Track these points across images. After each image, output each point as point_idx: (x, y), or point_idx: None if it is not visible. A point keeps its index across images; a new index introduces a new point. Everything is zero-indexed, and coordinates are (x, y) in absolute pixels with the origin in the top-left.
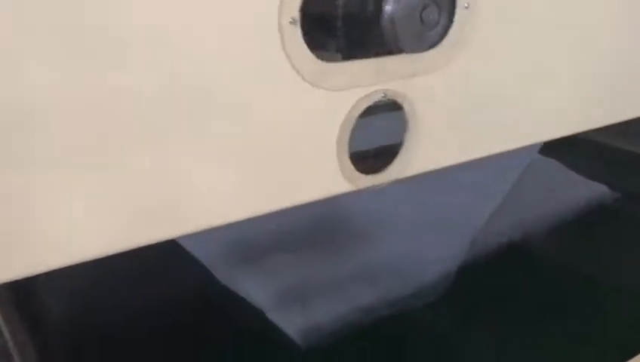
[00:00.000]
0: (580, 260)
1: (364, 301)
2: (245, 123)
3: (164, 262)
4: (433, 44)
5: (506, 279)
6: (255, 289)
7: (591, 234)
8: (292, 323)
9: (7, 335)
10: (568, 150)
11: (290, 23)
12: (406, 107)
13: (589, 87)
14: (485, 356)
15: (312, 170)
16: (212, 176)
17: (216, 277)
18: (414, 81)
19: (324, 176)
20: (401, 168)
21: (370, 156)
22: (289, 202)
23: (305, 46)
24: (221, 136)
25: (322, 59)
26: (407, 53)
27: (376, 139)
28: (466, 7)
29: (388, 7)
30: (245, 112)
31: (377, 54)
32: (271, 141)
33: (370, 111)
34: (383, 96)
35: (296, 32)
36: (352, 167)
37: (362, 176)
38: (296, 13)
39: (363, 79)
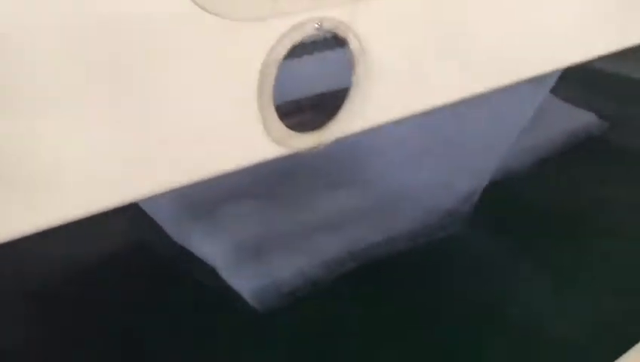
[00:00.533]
0: (566, 192)
1: (329, 253)
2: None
3: (112, 216)
4: None
5: (495, 216)
6: (206, 245)
7: (577, 165)
8: (246, 282)
9: None
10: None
11: None
12: (352, 42)
13: (580, 16)
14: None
15: (224, 131)
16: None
17: (166, 232)
18: (361, 6)
19: (242, 137)
20: (348, 122)
21: (307, 108)
22: (189, 177)
23: None
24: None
25: None
26: None
27: (312, 85)
28: None
29: None
30: (147, 56)
31: None
32: (167, 94)
33: (303, 50)
34: (317, 28)
35: None
36: (280, 123)
37: (296, 134)
38: None
39: (288, 2)
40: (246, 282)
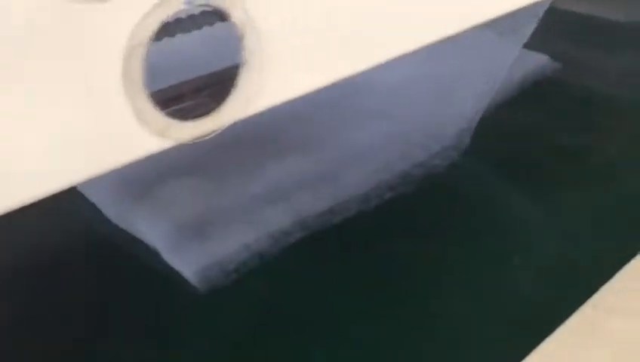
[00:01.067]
0: (521, 137)
1: (275, 224)
2: None
3: (50, 200)
4: None
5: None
6: (147, 227)
7: (531, 108)
8: (188, 262)
9: None
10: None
11: None
12: (235, 15)
13: None
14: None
15: (91, 128)
16: None
17: (106, 216)
18: None
19: (113, 133)
20: (243, 104)
21: (191, 93)
22: (55, 185)
23: None
24: None
25: None
26: None
27: (195, 67)
28: None
29: None
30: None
31: None
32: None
33: (180, 27)
34: (188, 1)
35: None
36: (158, 113)
37: (181, 124)
38: None
39: None
40: (188, 263)
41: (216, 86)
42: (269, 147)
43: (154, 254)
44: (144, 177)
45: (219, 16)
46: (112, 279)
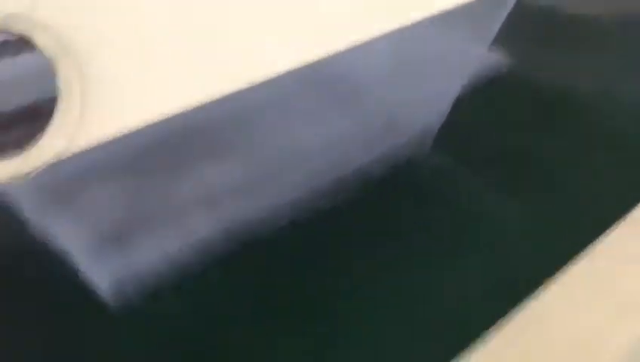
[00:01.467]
0: (476, 138)
1: (200, 233)
2: None
3: None
4: None
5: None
6: (65, 235)
7: (485, 108)
8: (103, 275)
9: None
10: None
11: None
12: (42, 42)
13: None
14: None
15: None
16: None
17: (28, 227)
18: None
19: None
20: (61, 140)
21: None
22: None
23: None
24: None
25: None
26: None
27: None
28: None
29: None
30: None
31: None
32: None
33: None
34: None
35: None
36: None
37: None
38: None
39: None
40: (103, 276)
41: (27, 122)
42: (196, 151)
43: (72, 267)
44: (66, 182)
45: (24, 44)
46: (24, 299)
